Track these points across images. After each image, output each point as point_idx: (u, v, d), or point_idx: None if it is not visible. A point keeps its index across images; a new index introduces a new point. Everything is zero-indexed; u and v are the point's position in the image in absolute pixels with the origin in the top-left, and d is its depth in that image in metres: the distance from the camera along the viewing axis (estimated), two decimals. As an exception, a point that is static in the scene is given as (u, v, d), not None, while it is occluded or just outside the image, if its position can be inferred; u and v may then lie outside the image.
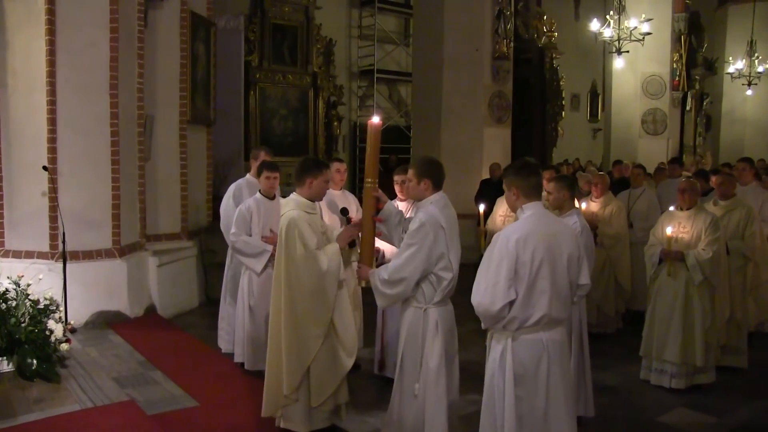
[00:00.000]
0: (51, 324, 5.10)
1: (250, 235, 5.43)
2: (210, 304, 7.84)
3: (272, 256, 5.01)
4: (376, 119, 3.96)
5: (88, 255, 6.58)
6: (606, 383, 5.58)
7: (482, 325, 3.35)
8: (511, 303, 3.16)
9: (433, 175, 3.83)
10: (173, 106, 8.03)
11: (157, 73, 7.82)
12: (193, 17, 8.31)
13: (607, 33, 12.94)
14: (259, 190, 5.61)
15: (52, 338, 5.09)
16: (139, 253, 7.11)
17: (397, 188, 5.54)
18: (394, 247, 4.25)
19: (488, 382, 3.35)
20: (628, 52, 13.11)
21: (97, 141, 6.58)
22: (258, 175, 5.68)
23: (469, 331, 5.63)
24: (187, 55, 8.19)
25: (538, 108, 14.87)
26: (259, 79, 12.98)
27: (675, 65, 15.37)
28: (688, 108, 16.88)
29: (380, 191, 4.00)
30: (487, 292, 3.17)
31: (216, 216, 7.27)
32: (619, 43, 12.79)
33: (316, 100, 13.97)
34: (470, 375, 4.75)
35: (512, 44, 12.15)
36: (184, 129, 8.12)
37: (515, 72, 12.45)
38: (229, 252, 5.92)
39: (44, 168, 6.16)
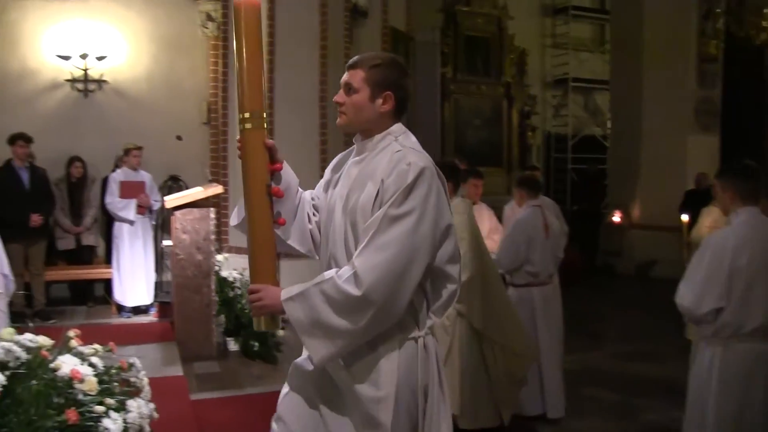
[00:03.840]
0: (272, 312, 5.70)
1: None
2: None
3: None
4: None
5: (294, 255, 7.19)
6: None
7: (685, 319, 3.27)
8: (719, 309, 3.02)
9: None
10: (375, 117, 8.53)
11: (361, 86, 8.36)
12: (393, 32, 8.82)
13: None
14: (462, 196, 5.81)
15: (270, 325, 5.69)
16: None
17: (472, 190, 5.28)
18: None
19: (694, 392, 3.21)
20: None
21: (309, 151, 7.22)
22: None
23: (666, 343, 5.45)
24: (387, 69, 8.67)
25: (754, 114, 13.75)
26: (454, 90, 13.29)
27: None
28: None
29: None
30: (694, 294, 3.06)
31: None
32: None
33: (509, 111, 14.00)
34: (667, 390, 4.59)
35: (722, 45, 11.41)
36: (384, 139, 8.59)
37: (725, 75, 11.67)
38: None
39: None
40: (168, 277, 7.21)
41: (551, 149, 15.11)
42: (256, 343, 5.65)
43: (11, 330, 3.30)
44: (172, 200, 5.85)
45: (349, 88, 2.15)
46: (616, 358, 6.43)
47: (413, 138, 2.18)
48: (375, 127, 2.15)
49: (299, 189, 2.25)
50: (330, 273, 1.98)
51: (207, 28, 8.10)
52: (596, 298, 9.60)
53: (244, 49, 2.10)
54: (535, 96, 14.62)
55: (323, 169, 7.03)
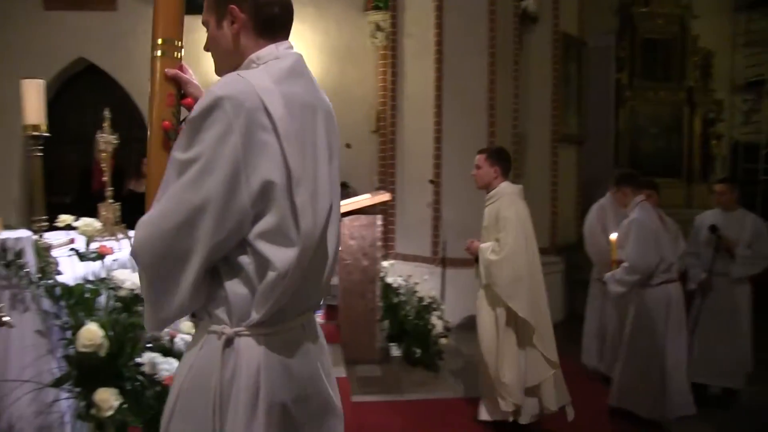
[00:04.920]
0: (433, 320, 5.66)
1: None
2: (573, 319, 7.85)
3: None
4: None
5: (465, 263, 7.10)
6: None
7: None
8: None
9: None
10: (545, 124, 8.30)
11: (530, 92, 8.17)
12: (564, 38, 8.52)
13: None
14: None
15: (434, 332, 5.65)
16: (508, 264, 7.45)
17: (621, 198, 5.09)
18: None
19: None
20: None
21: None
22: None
23: None
24: (559, 75, 8.41)
25: None
26: (629, 97, 12.63)
27: None
28: None
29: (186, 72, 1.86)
30: None
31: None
32: None
33: (691, 118, 13.07)
34: None
35: None
36: (555, 147, 8.33)
37: None
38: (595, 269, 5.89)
39: (431, 181, 6.87)
40: (335, 280, 7.41)
41: (739, 159, 13.87)
42: (419, 350, 5.65)
43: (190, 324, 3.50)
44: (341, 207, 6.00)
45: (206, 28, 1.76)
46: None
47: (288, 63, 1.65)
48: (240, 58, 1.68)
49: None
50: None
51: (376, 38, 8.27)
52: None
53: None
54: (721, 101, 13.51)
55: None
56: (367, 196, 6.30)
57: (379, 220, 6.08)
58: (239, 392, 1.55)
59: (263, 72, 1.59)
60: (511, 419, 4.26)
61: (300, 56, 1.70)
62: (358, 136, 8.17)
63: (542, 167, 8.32)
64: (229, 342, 1.58)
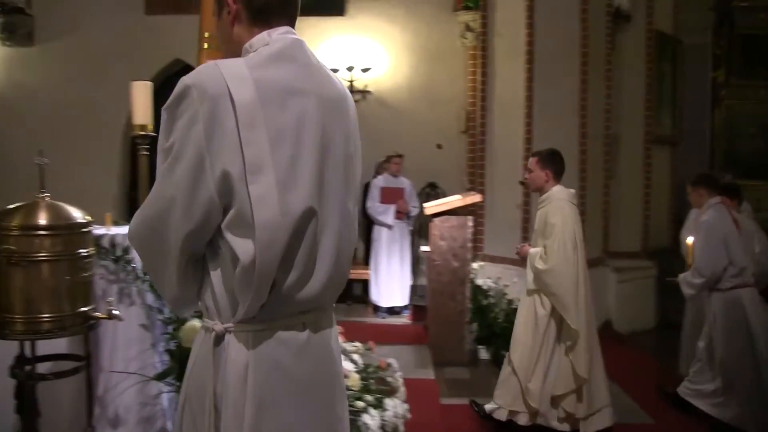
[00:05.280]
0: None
1: None
2: (665, 326, 7.63)
3: None
4: None
5: (553, 266, 7.02)
6: None
7: None
8: None
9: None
10: (638, 125, 8.10)
11: (622, 92, 7.99)
12: (658, 36, 8.28)
13: None
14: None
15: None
16: (599, 268, 7.32)
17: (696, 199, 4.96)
18: None
19: None
20: None
21: (567, 159, 6.95)
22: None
23: None
24: (653, 74, 8.19)
25: None
26: (726, 96, 12.13)
27: None
28: None
29: None
30: None
31: (676, 239, 7.08)
32: None
33: (791, 117, 12.48)
34: None
35: None
36: (648, 148, 8.12)
37: None
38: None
39: (521, 183, 6.79)
40: (423, 281, 7.45)
41: None
42: (508, 353, 5.60)
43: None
44: (431, 207, 6.02)
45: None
46: None
47: (276, 47, 1.59)
48: (237, 47, 1.65)
49: None
50: None
51: (466, 38, 8.24)
52: None
53: None
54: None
55: (582, 179, 6.87)
56: (458, 197, 6.32)
57: (470, 221, 6.08)
58: (228, 390, 1.53)
59: (243, 59, 1.56)
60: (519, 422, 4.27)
61: (295, 41, 1.63)
62: (447, 136, 8.20)
63: (635, 169, 8.12)
64: (219, 339, 1.56)
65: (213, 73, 1.47)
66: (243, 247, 1.47)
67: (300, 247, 1.53)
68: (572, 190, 4.41)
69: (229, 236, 1.49)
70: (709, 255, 4.52)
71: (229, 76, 1.46)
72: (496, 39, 7.42)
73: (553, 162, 4.36)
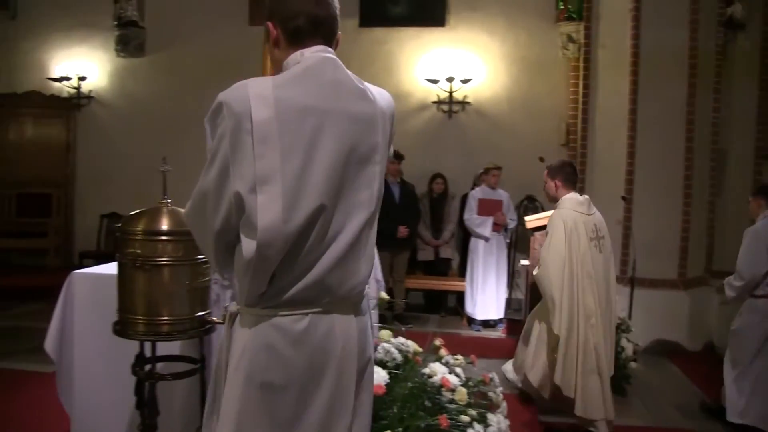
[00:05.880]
0: (623, 342, 5.48)
1: None
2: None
3: None
4: None
5: (654, 283, 6.82)
6: None
7: None
8: None
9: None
10: (748, 139, 7.74)
11: (732, 105, 7.66)
12: (775, 44, 7.90)
13: None
14: None
15: (623, 355, 5.47)
16: (702, 288, 7.06)
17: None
18: None
19: None
20: None
21: (671, 174, 6.81)
22: None
23: None
24: (766, 86, 7.81)
25: None
26: None
27: None
28: None
29: None
30: None
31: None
32: None
33: None
34: None
35: None
36: (759, 164, 7.75)
37: None
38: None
39: (623, 198, 6.65)
40: (518, 294, 7.39)
41: None
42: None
43: (389, 332, 3.66)
44: (532, 221, 5.96)
45: None
46: None
47: (303, 66, 1.76)
48: (280, 66, 1.85)
49: None
50: None
51: (568, 49, 8.13)
52: None
53: None
54: None
55: (687, 195, 6.65)
56: (556, 211, 6.22)
57: (568, 236, 5.97)
58: (231, 363, 1.75)
59: (272, 77, 1.74)
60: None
61: (325, 59, 1.78)
62: (546, 149, 8.07)
63: (743, 185, 7.74)
64: (233, 318, 1.80)
65: (240, 92, 1.67)
66: (248, 245, 1.67)
67: (304, 247, 1.70)
68: (584, 198, 4.50)
69: (241, 234, 1.70)
70: (750, 259, 4.66)
71: (253, 96, 1.65)
72: (599, 50, 7.30)
73: (562, 171, 4.53)
